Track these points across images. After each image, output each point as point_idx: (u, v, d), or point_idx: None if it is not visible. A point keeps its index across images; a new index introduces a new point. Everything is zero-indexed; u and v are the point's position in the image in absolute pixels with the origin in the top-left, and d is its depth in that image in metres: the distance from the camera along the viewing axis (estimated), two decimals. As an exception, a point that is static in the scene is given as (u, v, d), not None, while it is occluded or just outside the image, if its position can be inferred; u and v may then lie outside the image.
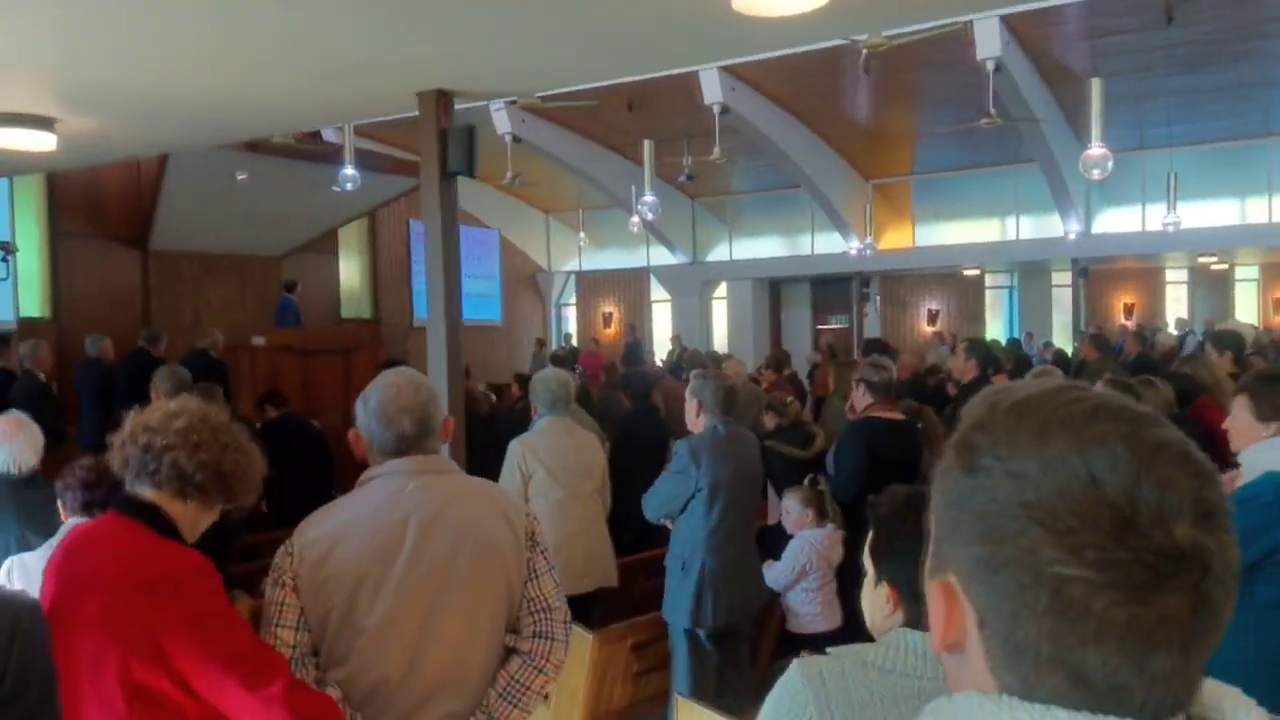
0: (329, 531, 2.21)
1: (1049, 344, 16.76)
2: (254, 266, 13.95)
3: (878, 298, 20.30)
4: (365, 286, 17.42)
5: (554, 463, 4.66)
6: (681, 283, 20.87)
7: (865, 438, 4.75)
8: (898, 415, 4.89)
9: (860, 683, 1.52)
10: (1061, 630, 0.67)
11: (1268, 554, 2.93)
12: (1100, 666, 0.67)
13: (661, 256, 21.00)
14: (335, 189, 10.74)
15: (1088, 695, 0.68)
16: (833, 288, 20.47)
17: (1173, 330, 16.39)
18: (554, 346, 21.69)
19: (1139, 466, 0.67)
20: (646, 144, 10.59)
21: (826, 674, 1.53)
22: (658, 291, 22.03)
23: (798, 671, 1.54)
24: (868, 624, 1.76)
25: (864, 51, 8.83)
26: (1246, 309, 19.41)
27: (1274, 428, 3.05)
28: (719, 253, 20.95)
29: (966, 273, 19.67)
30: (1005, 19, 11.48)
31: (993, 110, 11.09)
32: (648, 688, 4.53)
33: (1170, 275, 19.84)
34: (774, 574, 4.60)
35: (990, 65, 11.15)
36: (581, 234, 20.83)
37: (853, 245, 18.43)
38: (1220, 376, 5.59)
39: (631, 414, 6.39)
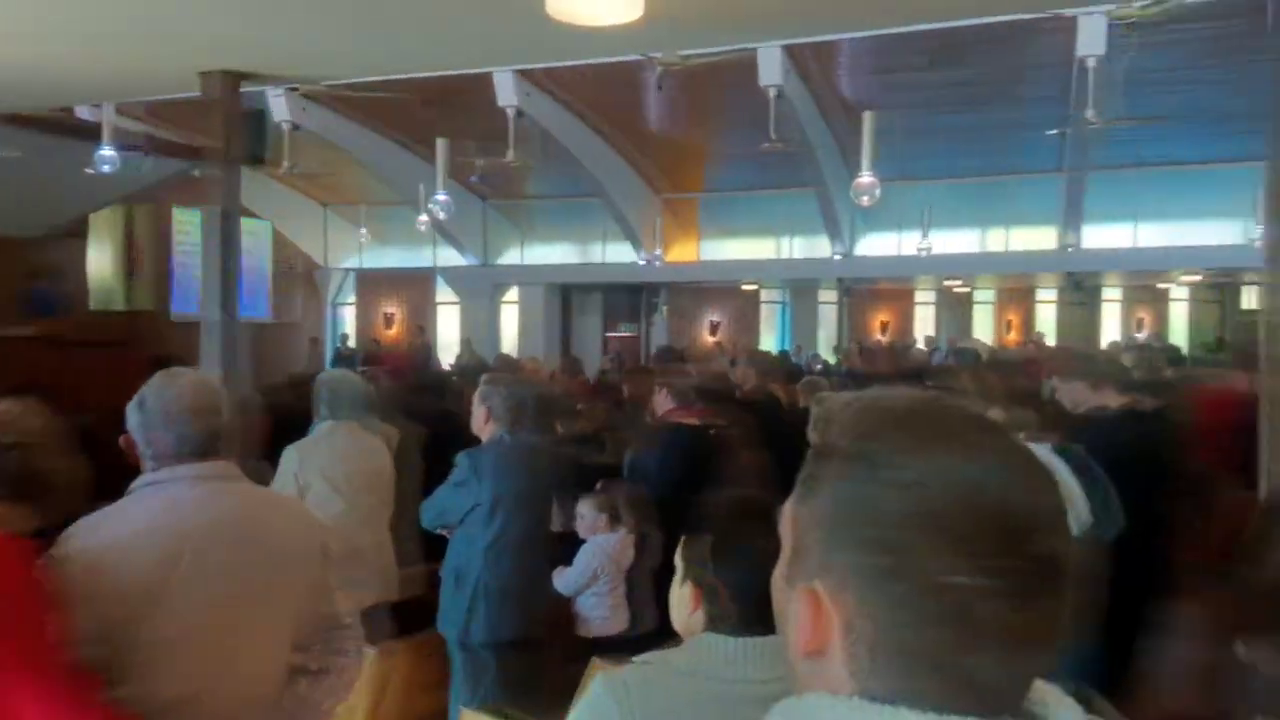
0: (100, 542, 2.02)
1: (816, 355, 17.96)
2: (-5, 251, 12.42)
3: (665, 308, 20.92)
4: (119, 276, 15.97)
5: (334, 472, 4.41)
6: (470, 285, 20.58)
7: (670, 442, 4.89)
8: (696, 421, 5.06)
9: (665, 689, 1.54)
10: (948, 636, 0.68)
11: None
12: (982, 669, 0.69)
13: (450, 257, 20.60)
14: (91, 170, 9.75)
15: (964, 697, 0.69)
16: (623, 296, 20.91)
17: (921, 346, 17.94)
18: (330, 346, 20.79)
19: (1014, 476, 0.71)
20: (440, 142, 10.36)
21: (630, 684, 1.54)
22: (444, 293, 21.60)
23: (601, 685, 1.55)
24: (673, 622, 1.81)
25: (659, 69, 9.07)
26: (984, 328, 21.61)
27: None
28: (510, 256, 20.83)
29: (745, 287, 20.67)
30: (788, 50, 12.16)
31: (774, 135, 11.71)
32: (432, 702, 4.42)
33: (920, 296, 21.78)
34: (566, 580, 4.62)
35: (772, 92, 11.75)
36: (363, 230, 20.07)
37: (643, 256, 18.89)
38: (965, 388, 6.16)
39: (433, 418, 6.19)
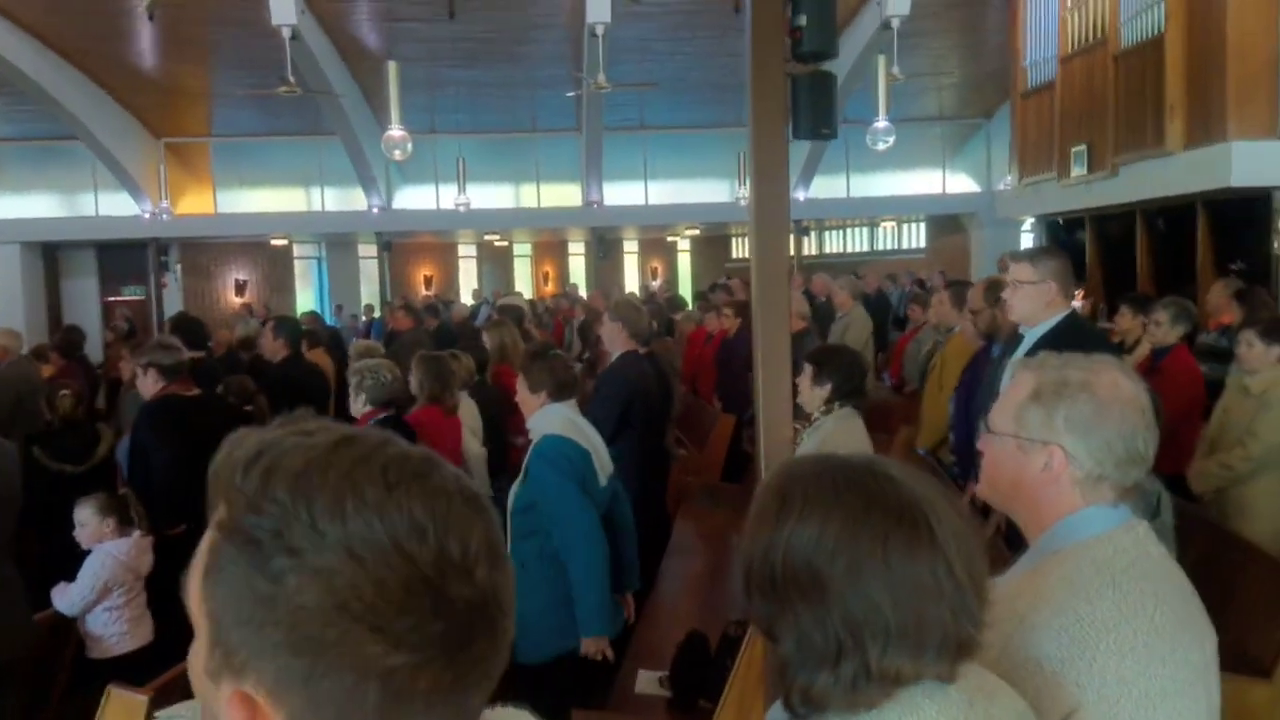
0: None
1: (355, 315, 17.35)
2: None
3: (179, 267, 18.76)
4: None
5: None
6: (-84, 244, 16.67)
7: (170, 418, 4.34)
8: (195, 391, 4.55)
9: None
10: (393, 714, 0.65)
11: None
12: None
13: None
14: None
15: None
16: (125, 255, 18.29)
17: (469, 300, 18.20)
18: None
19: (440, 524, 0.65)
20: None
21: None
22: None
23: None
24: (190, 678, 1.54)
25: (149, -4, 7.95)
26: (524, 280, 22.54)
27: (542, 398, 3.52)
28: (-30, 209, 17.22)
29: (274, 242, 19.28)
30: (303, -10, 11.39)
31: (291, 79, 10.94)
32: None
33: (462, 250, 22.05)
34: (69, 599, 3.96)
35: (286, 33, 10.94)
36: None
37: (146, 208, 16.70)
38: (508, 341, 6.30)
39: None
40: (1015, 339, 3.74)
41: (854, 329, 7.27)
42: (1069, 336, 3.23)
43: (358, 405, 4.50)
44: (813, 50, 3.04)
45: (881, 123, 10.03)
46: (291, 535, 0.63)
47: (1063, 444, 1.43)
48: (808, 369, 3.52)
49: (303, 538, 0.63)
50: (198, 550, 0.69)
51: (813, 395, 3.50)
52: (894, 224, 21.70)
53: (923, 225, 21.24)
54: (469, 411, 5.19)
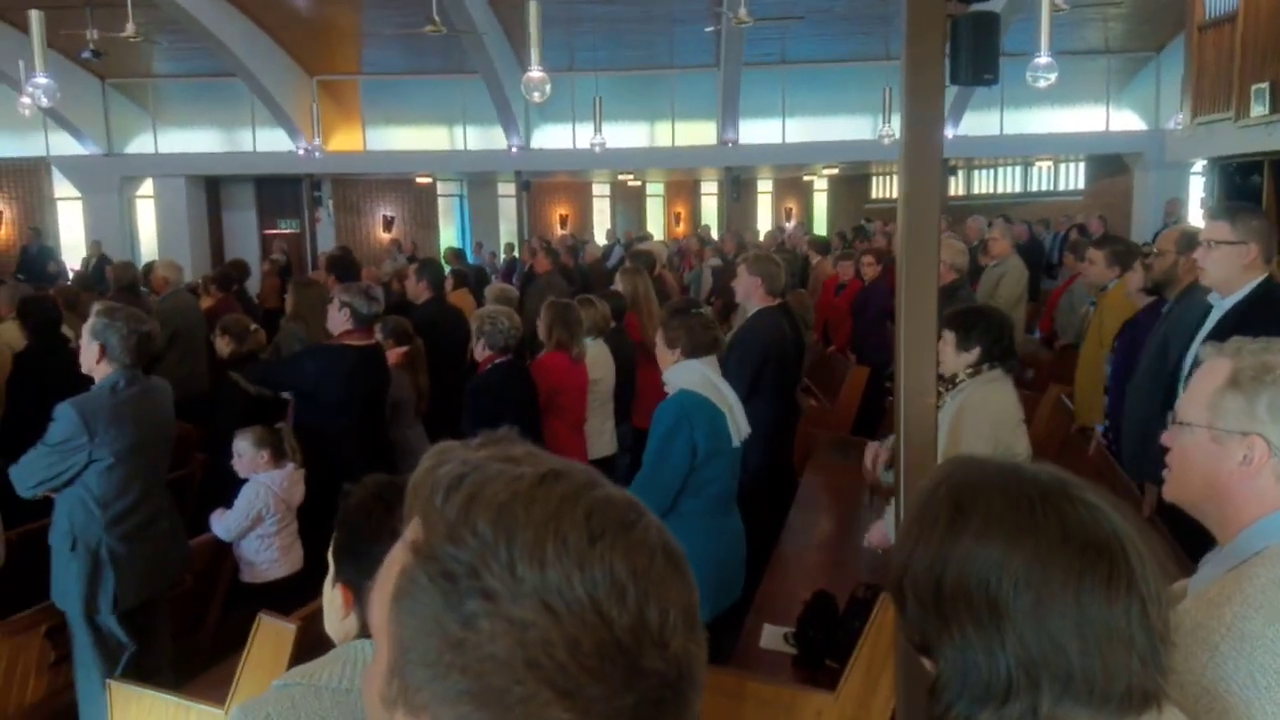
0: None
1: (494, 253, 17.73)
2: None
3: (330, 202, 19.52)
4: None
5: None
6: (94, 178, 17.84)
7: (328, 362, 4.54)
8: (369, 342, 4.72)
9: (314, 713, 1.39)
10: None
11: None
12: None
13: (66, 145, 17.73)
14: None
15: None
16: (281, 189, 19.15)
17: (602, 241, 18.32)
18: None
19: (640, 585, 0.61)
20: (34, 14, 8.63)
21: (274, 715, 1.39)
22: (63, 187, 18.63)
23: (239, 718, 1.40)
24: (326, 626, 1.61)
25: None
26: (655, 221, 22.49)
27: (677, 354, 3.48)
28: (141, 144, 18.32)
29: (419, 180, 19.80)
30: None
31: (437, 18, 11.08)
32: (50, 683, 3.89)
33: (596, 190, 22.12)
34: (225, 524, 4.22)
35: (434, -29, 11.07)
36: (-52, 113, 16.68)
37: (300, 145, 17.39)
38: (640, 290, 6.27)
39: (32, 350, 5.18)
40: (1191, 297, 3.45)
41: (1009, 279, 6.78)
42: (1265, 307, 2.96)
43: (479, 349, 4.62)
44: (975, -12, 2.82)
45: (1043, 58, 9.34)
46: (488, 576, 0.60)
47: (1265, 434, 1.31)
48: (949, 335, 3.33)
49: (499, 580, 0.60)
50: (387, 562, 0.67)
51: (958, 361, 3.32)
52: (1050, 164, 20.44)
53: (1081, 166, 19.96)
54: (603, 357, 5.22)
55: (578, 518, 0.62)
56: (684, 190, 23.17)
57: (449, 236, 20.30)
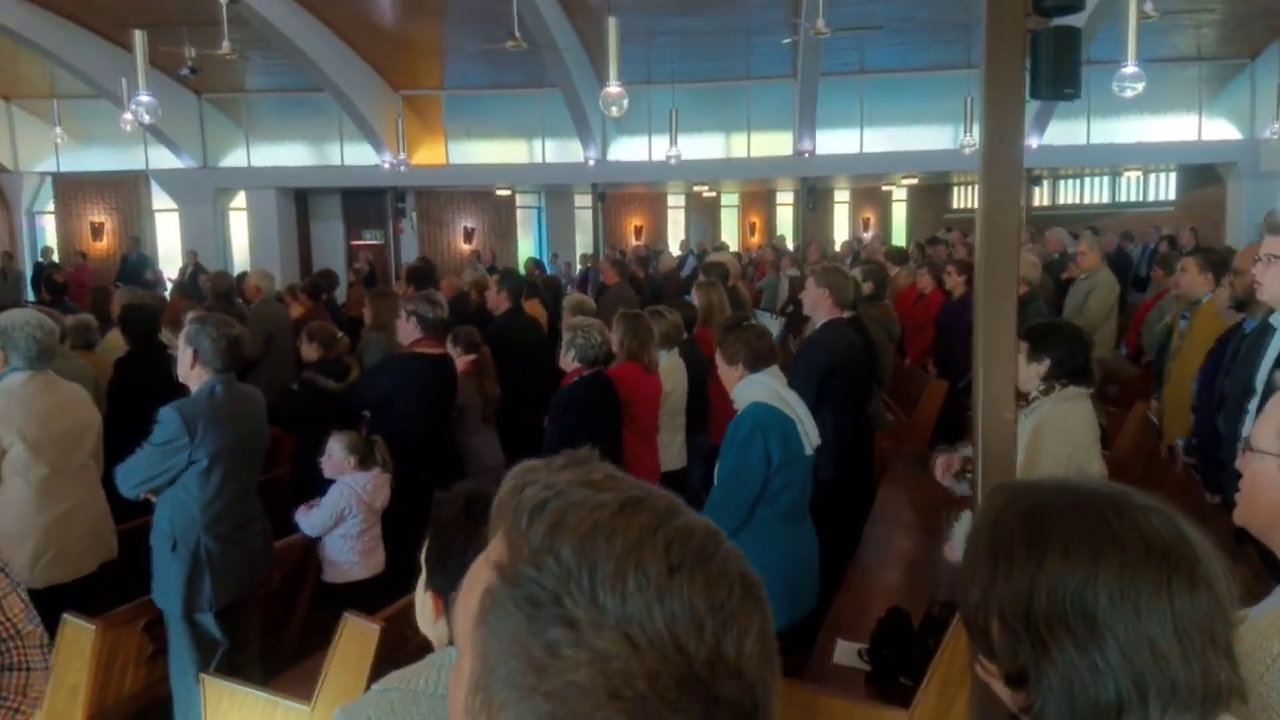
0: None
1: (569, 263, 17.95)
2: None
3: (414, 214, 20.01)
4: None
5: (37, 432, 3.83)
6: (190, 190, 18.63)
7: (402, 372, 4.66)
8: (440, 351, 4.83)
9: (411, 717, 1.45)
10: None
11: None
12: None
13: (164, 159, 18.53)
14: None
15: None
16: (366, 201, 19.72)
17: (676, 251, 18.40)
18: (28, 262, 18.30)
19: (718, 619, 0.62)
20: (137, 34, 9.07)
21: (374, 717, 1.45)
22: (160, 199, 19.47)
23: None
24: (419, 626, 1.68)
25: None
26: (729, 231, 22.46)
27: (740, 370, 3.51)
28: (235, 158, 19.04)
29: (499, 193, 20.16)
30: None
31: (518, 34, 11.29)
32: (147, 675, 4.06)
33: (671, 201, 22.21)
34: (311, 520, 4.37)
35: (514, -12, 11.27)
36: (58, 128, 17.58)
37: (385, 159, 17.87)
38: (715, 303, 6.29)
39: (132, 357, 5.42)
40: (1267, 325, 3.33)
41: (1099, 293, 6.56)
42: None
43: (567, 360, 4.68)
44: (1057, 4, 2.78)
45: (1130, 67, 9.09)
46: (570, 604, 0.62)
47: None
48: (1022, 345, 3.29)
49: (581, 609, 0.61)
50: (470, 576, 0.69)
51: (1027, 373, 3.27)
52: (1139, 174, 19.81)
53: (1173, 176, 19.30)
54: (676, 368, 5.26)
55: (658, 549, 0.63)
56: (759, 200, 23.09)
57: (527, 247, 20.59)
